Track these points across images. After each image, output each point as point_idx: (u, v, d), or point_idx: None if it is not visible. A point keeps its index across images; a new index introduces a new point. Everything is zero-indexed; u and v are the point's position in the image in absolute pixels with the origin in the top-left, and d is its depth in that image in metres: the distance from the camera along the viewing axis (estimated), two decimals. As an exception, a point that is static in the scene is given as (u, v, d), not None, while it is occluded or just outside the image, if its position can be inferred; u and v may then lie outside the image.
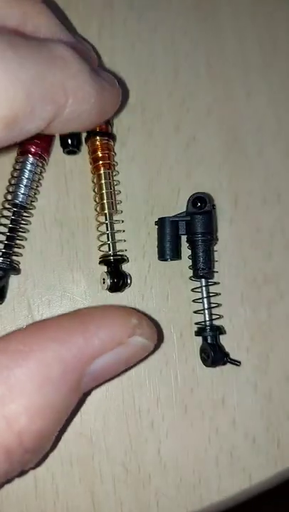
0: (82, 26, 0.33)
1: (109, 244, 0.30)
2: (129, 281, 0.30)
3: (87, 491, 0.28)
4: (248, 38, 0.35)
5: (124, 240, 0.31)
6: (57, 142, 0.31)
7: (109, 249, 0.30)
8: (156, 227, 0.30)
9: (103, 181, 0.30)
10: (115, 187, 0.31)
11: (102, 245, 0.30)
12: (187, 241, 0.30)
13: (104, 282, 0.29)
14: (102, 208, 0.30)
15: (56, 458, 0.28)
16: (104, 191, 0.30)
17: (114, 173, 0.31)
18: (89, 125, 0.26)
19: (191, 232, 0.29)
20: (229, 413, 0.30)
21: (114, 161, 0.31)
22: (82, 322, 0.22)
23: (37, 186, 0.29)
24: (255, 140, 0.33)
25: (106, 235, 0.30)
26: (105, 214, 0.30)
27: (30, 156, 0.29)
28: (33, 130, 0.22)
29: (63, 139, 0.30)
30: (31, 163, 0.29)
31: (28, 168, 0.29)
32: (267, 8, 0.35)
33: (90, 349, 0.21)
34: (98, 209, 0.30)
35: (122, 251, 0.30)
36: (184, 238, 0.30)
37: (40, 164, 0.29)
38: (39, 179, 0.30)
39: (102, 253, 0.30)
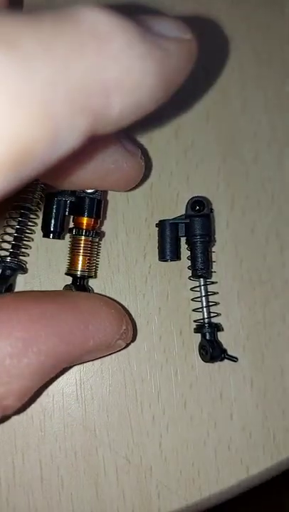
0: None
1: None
2: None
3: (91, 483, 0.29)
4: (244, 49, 0.36)
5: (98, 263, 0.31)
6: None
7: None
8: (157, 229, 0.31)
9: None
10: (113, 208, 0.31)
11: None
12: (186, 242, 0.31)
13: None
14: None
15: (61, 451, 0.29)
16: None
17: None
18: (152, 108, 0.17)
19: (190, 234, 0.31)
20: (227, 407, 0.31)
21: (99, 243, 0.31)
22: (83, 321, 0.23)
23: (43, 189, 0.31)
24: (251, 146, 0.34)
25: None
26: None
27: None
28: (64, 152, 0.14)
29: (44, 226, 0.29)
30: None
31: (35, 172, 0.30)
32: (262, 20, 0.37)
33: (84, 349, 0.23)
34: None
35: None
36: (183, 240, 0.32)
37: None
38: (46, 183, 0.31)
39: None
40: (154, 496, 0.29)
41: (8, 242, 0.30)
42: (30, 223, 0.30)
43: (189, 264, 0.31)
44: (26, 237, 0.30)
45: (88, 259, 0.29)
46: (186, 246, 0.31)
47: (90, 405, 0.30)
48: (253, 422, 0.31)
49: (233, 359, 0.31)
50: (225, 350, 0.31)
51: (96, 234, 0.30)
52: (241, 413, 0.31)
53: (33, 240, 0.31)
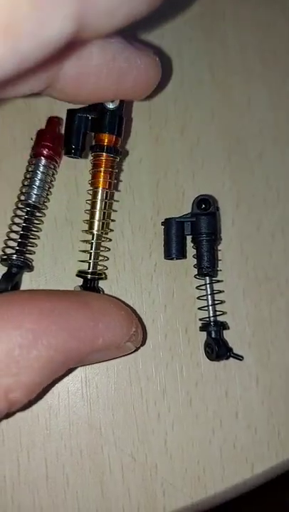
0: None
1: (90, 263, 0.30)
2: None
3: (97, 481, 0.29)
4: (249, 47, 0.36)
5: (107, 258, 0.31)
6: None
7: (89, 268, 0.30)
8: (163, 227, 0.31)
9: (98, 199, 0.29)
10: (118, 206, 0.31)
11: (82, 261, 0.30)
12: (192, 241, 0.31)
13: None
14: (91, 227, 0.29)
15: (67, 449, 0.29)
16: (97, 210, 0.29)
17: (113, 191, 0.30)
18: (144, 8, 0.17)
19: (196, 233, 0.31)
20: (232, 405, 0.31)
21: (117, 179, 0.31)
22: (93, 319, 0.23)
23: (49, 188, 0.31)
24: (256, 143, 0.34)
25: (89, 254, 0.30)
26: (92, 234, 0.29)
27: (42, 158, 0.30)
28: (57, 38, 0.15)
29: (66, 143, 0.29)
30: (44, 166, 0.30)
31: (41, 170, 0.30)
32: (267, 19, 0.37)
33: (93, 347, 0.23)
34: (87, 226, 0.29)
35: (102, 267, 0.31)
36: (188, 238, 0.31)
37: (52, 166, 0.31)
38: (51, 181, 0.31)
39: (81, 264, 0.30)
40: (159, 494, 0.29)
41: (14, 240, 0.30)
42: (36, 221, 0.30)
43: (195, 263, 0.31)
44: (32, 234, 0.30)
45: (109, 177, 0.29)
46: (192, 244, 0.31)
47: (95, 403, 0.30)
48: (258, 420, 0.31)
49: (239, 358, 0.31)
50: (231, 349, 0.31)
51: (117, 152, 0.29)
52: (247, 411, 0.31)
53: (39, 237, 0.31)
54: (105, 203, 0.29)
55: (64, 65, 0.23)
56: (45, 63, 0.16)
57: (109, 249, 0.32)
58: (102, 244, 0.31)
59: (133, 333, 0.25)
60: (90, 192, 0.29)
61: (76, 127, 0.28)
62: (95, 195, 0.29)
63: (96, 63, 0.23)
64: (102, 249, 0.31)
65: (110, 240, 0.31)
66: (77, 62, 0.23)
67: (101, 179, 0.29)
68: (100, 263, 0.30)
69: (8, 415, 0.24)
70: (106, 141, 0.28)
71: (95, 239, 0.29)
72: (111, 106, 0.27)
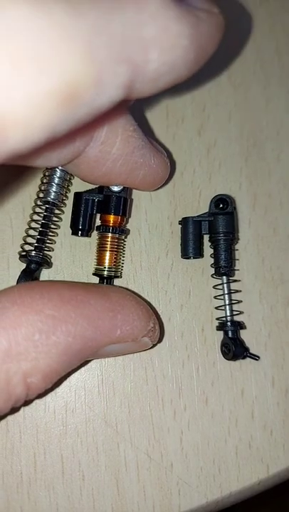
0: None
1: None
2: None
3: (112, 478, 0.29)
4: (267, 48, 0.36)
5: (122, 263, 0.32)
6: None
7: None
8: (180, 226, 0.32)
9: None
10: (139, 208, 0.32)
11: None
12: (209, 240, 0.31)
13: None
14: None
15: (83, 446, 0.29)
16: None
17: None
18: (185, 74, 0.18)
19: (213, 232, 0.31)
20: (248, 405, 0.31)
21: (124, 240, 0.31)
22: (112, 310, 0.23)
23: (68, 186, 0.31)
24: (274, 145, 0.34)
25: None
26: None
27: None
28: (105, 105, 0.16)
29: (73, 224, 0.30)
30: (63, 164, 0.30)
31: (60, 167, 0.30)
32: (285, 20, 0.37)
33: (111, 338, 0.23)
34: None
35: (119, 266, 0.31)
36: (206, 238, 0.32)
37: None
38: (70, 178, 0.31)
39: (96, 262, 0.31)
40: (174, 493, 0.29)
41: (33, 237, 0.30)
42: (55, 218, 0.30)
43: (212, 262, 0.31)
44: (51, 231, 0.30)
45: (115, 256, 0.30)
46: (209, 244, 0.31)
47: (111, 401, 0.30)
48: (273, 421, 0.31)
49: (255, 357, 0.31)
50: (247, 349, 0.31)
51: (122, 231, 0.30)
52: (262, 411, 0.31)
53: (57, 234, 0.31)
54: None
55: (91, 141, 0.24)
56: (84, 128, 0.17)
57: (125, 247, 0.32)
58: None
59: (151, 329, 0.25)
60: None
61: (83, 209, 0.30)
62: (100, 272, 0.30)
63: (116, 152, 0.25)
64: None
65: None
66: (100, 146, 0.25)
67: (107, 258, 0.30)
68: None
69: (26, 403, 0.24)
70: (112, 221, 0.30)
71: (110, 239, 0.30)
72: (116, 189, 0.29)
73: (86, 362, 0.30)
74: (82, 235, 0.30)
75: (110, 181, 0.28)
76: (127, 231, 0.32)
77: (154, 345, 0.28)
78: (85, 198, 0.30)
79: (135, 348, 0.26)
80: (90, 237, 0.31)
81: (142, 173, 0.27)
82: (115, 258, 0.30)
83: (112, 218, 0.29)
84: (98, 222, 0.31)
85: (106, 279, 0.30)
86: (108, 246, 0.30)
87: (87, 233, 0.30)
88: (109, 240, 0.30)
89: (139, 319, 0.24)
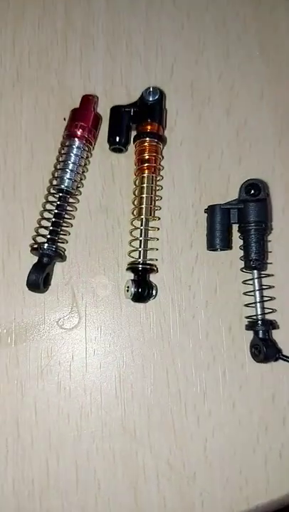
0: (130, 5, 0.32)
1: (140, 251, 0.28)
2: (154, 292, 0.28)
3: (130, 488, 0.27)
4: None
5: (157, 249, 0.29)
6: (103, 134, 0.30)
7: (139, 257, 0.28)
8: (206, 215, 0.29)
9: (145, 185, 0.29)
10: (157, 193, 0.30)
11: (132, 251, 0.28)
12: (239, 230, 0.29)
13: (128, 291, 0.28)
14: (140, 213, 0.28)
15: (98, 452, 0.27)
16: (144, 195, 0.28)
17: (158, 178, 0.30)
18: None
19: (243, 221, 0.28)
20: (279, 411, 0.28)
21: (161, 165, 0.30)
22: None
23: (83, 171, 0.29)
24: (311, 125, 0.31)
25: (138, 241, 0.28)
26: (142, 219, 0.28)
27: (76, 139, 0.28)
28: None
29: (111, 135, 0.29)
30: (77, 148, 0.28)
31: (74, 152, 0.28)
32: None
33: None
34: (135, 213, 0.29)
35: (152, 260, 0.29)
36: (234, 227, 0.29)
37: (87, 148, 0.28)
38: (85, 164, 0.29)
39: (130, 259, 0.29)
40: (197, 504, 0.27)
41: (46, 228, 0.28)
42: (69, 207, 0.28)
43: (241, 255, 0.28)
44: (65, 222, 0.28)
45: (154, 162, 0.29)
46: (239, 234, 0.29)
47: (129, 404, 0.28)
48: (307, 429, 0.28)
49: (288, 360, 0.28)
50: (280, 350, 0.28)
51: (159, 137, 0.29)
52: (295, 418, 0.28)
53: (72, 225, 0.29)
54: (152, 187, 0.29)
55: None
56: None
57: (158, 239, 0.30)
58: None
59: None
60: (137, 181, 0.29)
61: (120, 121, 0.30)
62: (141, 181, 0.29)
63: None
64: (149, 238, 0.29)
65: (158, 228, 0.30)
66: None
67: (146, 164, 0.29)
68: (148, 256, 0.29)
69: None
70: (149, 128, 0.29)
71: (144, 225, 0.28)
72: (151, 98, 0.29)
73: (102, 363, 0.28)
74: (119, 146, 0.29)
75: None
76: (165, 138, 0.30)
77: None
78: (123, 111, 0.30)
79: None
80: (127, 150, 0.30)
81: None
82: (154, 163, 0.29)
83: (149, 125, 0.29)
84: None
85: (141, 272, 0.28)
86: (146, 154, 0.29)
87: (124, 145, 0.30)
88: (147, 146, 0.29)
89: None
